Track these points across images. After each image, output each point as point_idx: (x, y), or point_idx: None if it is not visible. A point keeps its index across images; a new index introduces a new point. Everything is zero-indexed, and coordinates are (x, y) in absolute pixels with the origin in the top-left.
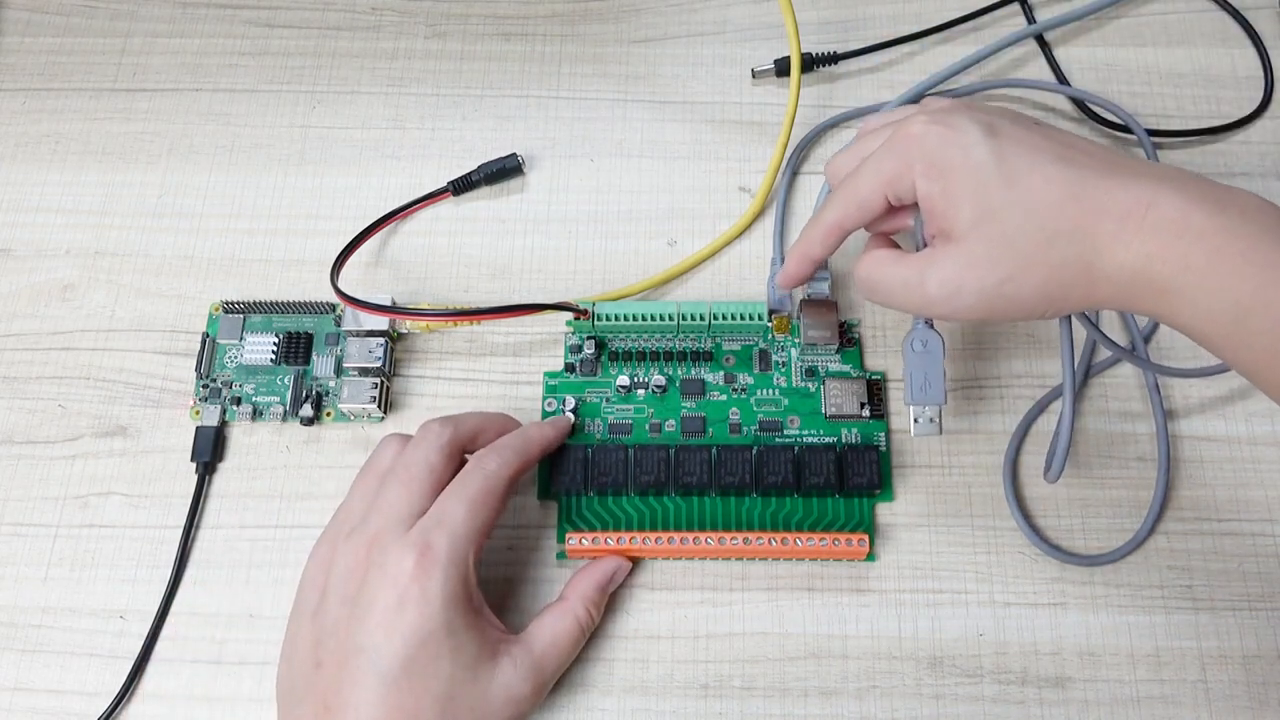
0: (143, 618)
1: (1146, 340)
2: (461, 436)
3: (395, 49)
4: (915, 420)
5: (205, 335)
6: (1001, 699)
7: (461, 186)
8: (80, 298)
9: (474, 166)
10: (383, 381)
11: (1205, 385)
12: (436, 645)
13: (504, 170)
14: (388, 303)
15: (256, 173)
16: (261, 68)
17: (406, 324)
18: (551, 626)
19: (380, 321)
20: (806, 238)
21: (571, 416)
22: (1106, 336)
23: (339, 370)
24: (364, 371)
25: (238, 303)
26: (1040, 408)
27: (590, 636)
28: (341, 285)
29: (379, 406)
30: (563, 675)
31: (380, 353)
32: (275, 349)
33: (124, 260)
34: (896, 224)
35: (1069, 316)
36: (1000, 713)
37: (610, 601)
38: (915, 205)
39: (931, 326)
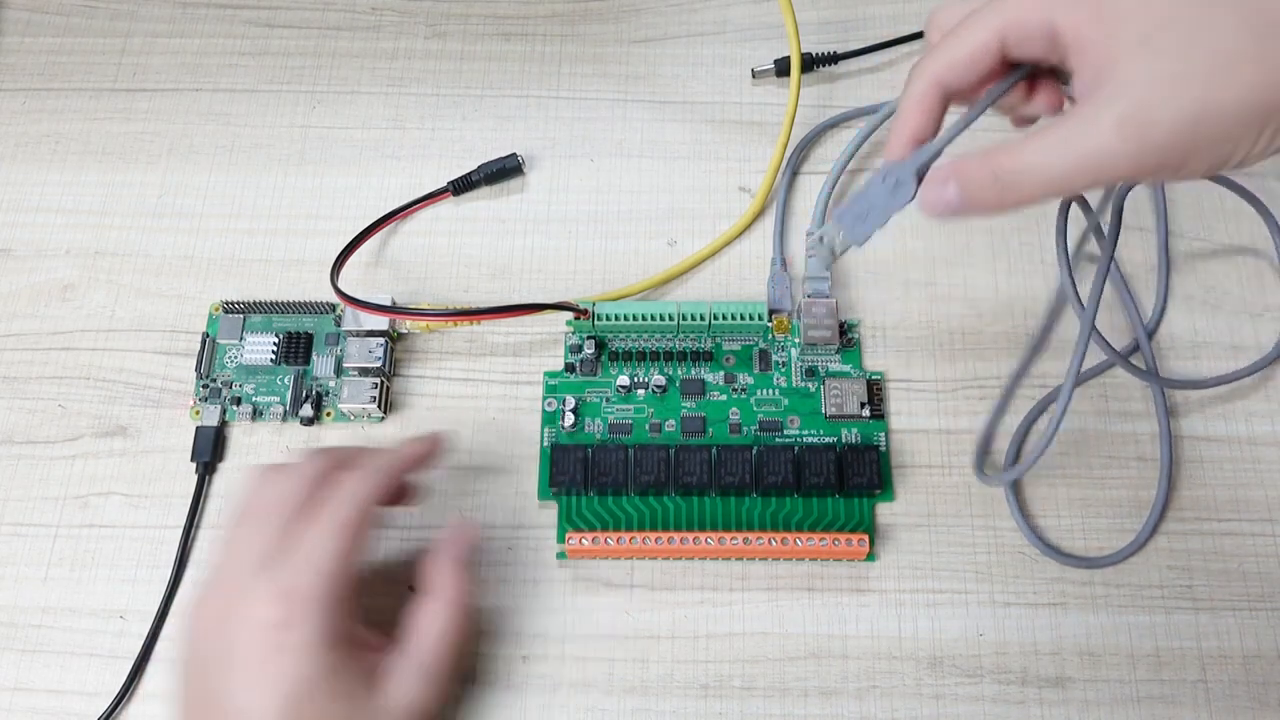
0: (143, 618)
1: (1150, 335)
2: (321, 470)
3: (395, 49)
4: (820, 238)
5: (205, 335)
6: (1001, 699)
7: (461, 186)
8: (80, 298)
9: (474, 166)
10: (383, 381)
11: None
12: (321, 693)
13: (504, 170)
14: (388, 303)
15: (256, 173)
16: (261, 68)
17: (406, 324)
18: (427, 627)
19: (380, 321)
20: (901, 111)
21: (442, 435)
22: (1110, 344)
23: (339, 370)
24: (364, 371)
25: (238, 303)
26: (1041, 408)
27: (587, 638)
28: (341, 285)
29: (379, 406)
30: (563, 675)
31: (380, 353)
32: (275, 349)
33: (124, 260)
34: (1016, 99)
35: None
36: (1000, 713)
37: (610, 601)
38: (1050, 73)
39: (919, 180)
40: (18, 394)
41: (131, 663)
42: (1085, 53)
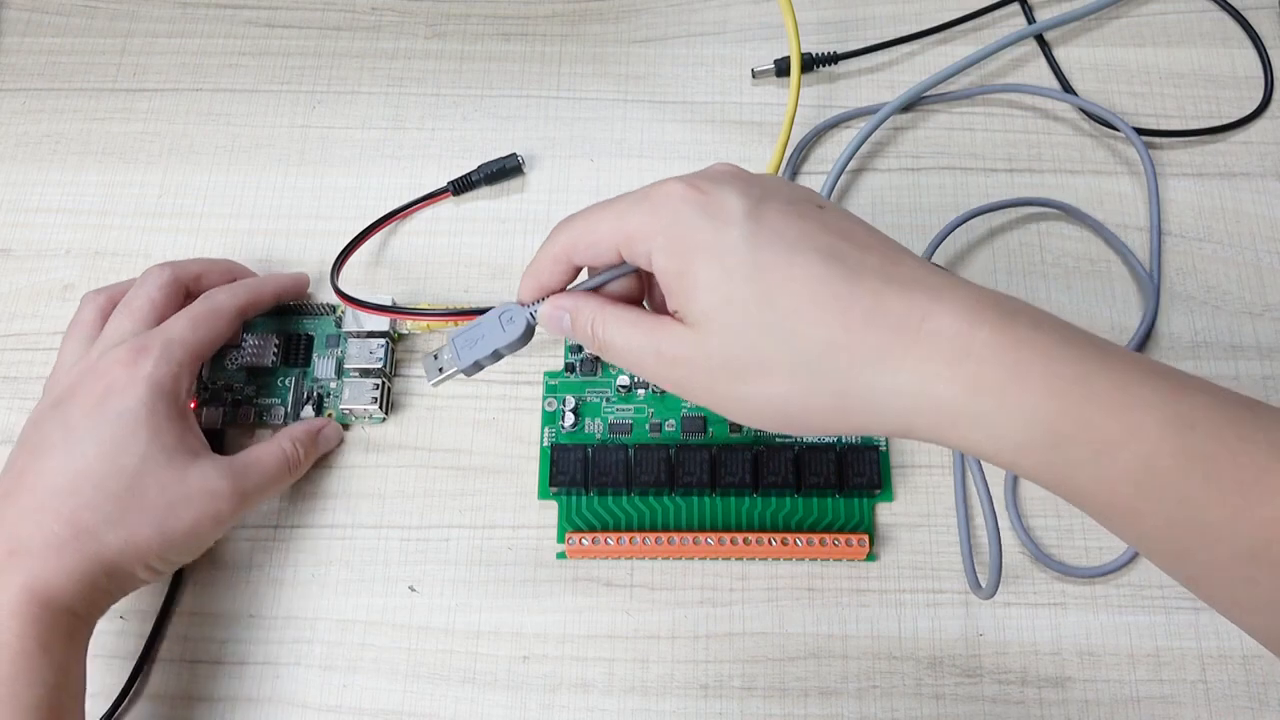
0: (143, 618)
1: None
2: (183, 277)
3: (395, 49)
4: (435, 356)
5: None
6: (1001, 699)
7: (461, 186)
8: (80, 298)
9: (474, 166)
10: (384, 382)
11: None
12: (135, 422)
13: (504, 170)
14: (388, 303)
15: (257, 173)
16: (261, 68)
17: (407, 324)
18: (256, 449)
19: (381, 322)
20: (536, 264)
21: (306, 274)
22: None
23: (340, 371)
24: (365, 372)
25: None
26: None
27: (587, 638)
28: (341, 285)
29: (380, 407)
30: (563, 675)
31: (381, 353)
32: (276, 350)
33: (124, 260)
34: (626, 286)
35: None
36: (1000, 713)
37: (610, 601)
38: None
39: (533, 319)
40: (18, 394)
41: (132, 663)
42: (669, 294)
